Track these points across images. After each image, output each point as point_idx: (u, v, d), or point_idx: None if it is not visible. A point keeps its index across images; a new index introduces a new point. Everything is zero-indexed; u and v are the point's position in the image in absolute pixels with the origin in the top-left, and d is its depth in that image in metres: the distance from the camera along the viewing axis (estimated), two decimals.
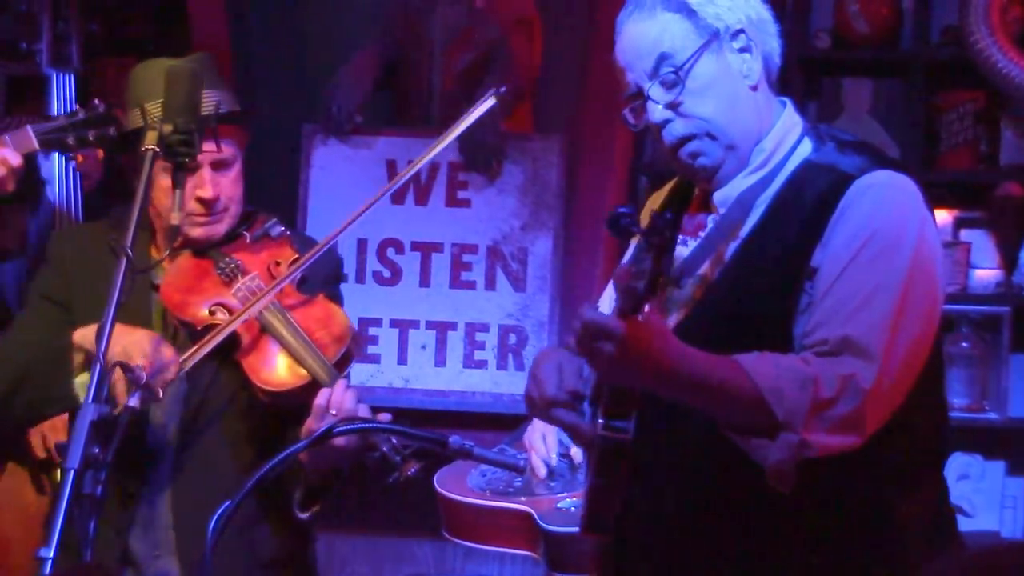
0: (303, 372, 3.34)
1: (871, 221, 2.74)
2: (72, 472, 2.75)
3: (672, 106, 2.84)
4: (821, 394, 2.64)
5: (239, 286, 3.43)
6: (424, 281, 5.25)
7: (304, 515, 3.41)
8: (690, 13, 2.84)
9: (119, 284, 2.93)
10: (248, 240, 3.52)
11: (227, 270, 3.46)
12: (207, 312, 3.39)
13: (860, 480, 2.79)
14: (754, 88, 2.88)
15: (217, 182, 3.45)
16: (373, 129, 5.35)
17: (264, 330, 3.38)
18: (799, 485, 2.69)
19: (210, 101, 3.36)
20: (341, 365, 3.39)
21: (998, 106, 5.49)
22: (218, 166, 3.45)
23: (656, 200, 3.11)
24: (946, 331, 5.25)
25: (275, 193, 5.02)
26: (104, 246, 3.44)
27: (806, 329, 2.75)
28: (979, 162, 5.53)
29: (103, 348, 2.87)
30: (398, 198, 5.26)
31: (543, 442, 3.41)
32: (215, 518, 2.92)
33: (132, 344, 3.26)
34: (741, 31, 2.87)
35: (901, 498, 2.84)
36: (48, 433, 4.03)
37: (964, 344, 5.42)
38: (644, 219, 2.96)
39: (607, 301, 3.14)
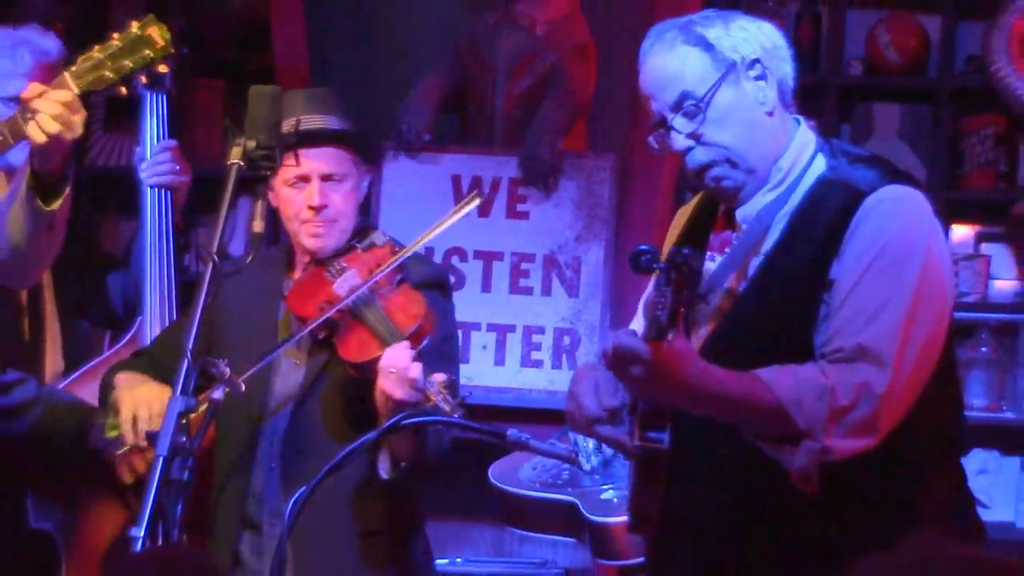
0: (379, 343, 3.56)
1: (881, 235, 2.81)
2: (162, 459, 2.88)
3: (694, 136, 2.92)
4: (838, 402, 2.74)
5: (339, 282, 3.70)
6: (486, 287, 5.36)
7: (386, 476, 3.58)
8: (708, 47, 2.90)
9: (205, 286, 3.10)
10: (359, 250, 3.79)
11: (333, 271, 3.74)
12: (318, 309, 3.64)
13: (883, 475, 2.87)
14: (770, 113, 2.94)
15: (325, 193, 3.72)
16: (440, 147, 5.44)
17: (353, 315, 3.63)
18: (826, 484, 2.79)
19: (307, 121, 3.65)
20: (414, 339, 3.55)
21: (1017, 129, 5.65)
22: (327, 179, 3.73)
23: (683, 214, 3.20)
24: (967, 337, 5.45)
25: None
26: (253, 280, 3.79)
27: (824, 338, 2.84)
28: (999, 181, 5.67)
29: (190, 345, 3.03)
30: None
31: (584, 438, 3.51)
32: (292, 502, 3.13)
33: (140, 399, 3.61)
34: (757, 61, 2.92)
35: (921, 488, 2.93)
36: (136, 461, 3.95)
37: (984, 349, 5.55)
38: (674, 232, 3.18)
39: (638, 323, 3.28)
